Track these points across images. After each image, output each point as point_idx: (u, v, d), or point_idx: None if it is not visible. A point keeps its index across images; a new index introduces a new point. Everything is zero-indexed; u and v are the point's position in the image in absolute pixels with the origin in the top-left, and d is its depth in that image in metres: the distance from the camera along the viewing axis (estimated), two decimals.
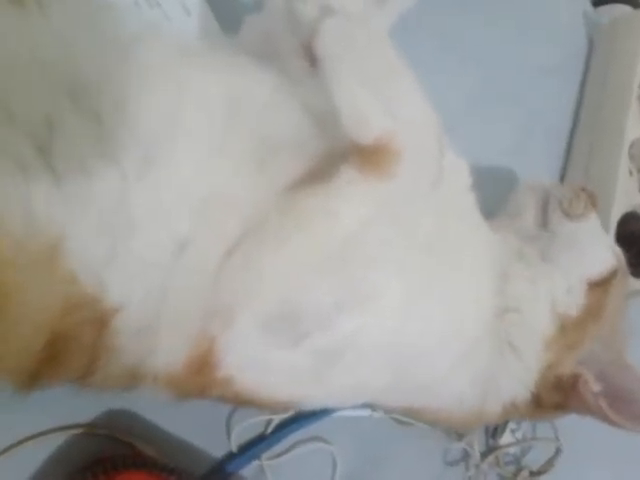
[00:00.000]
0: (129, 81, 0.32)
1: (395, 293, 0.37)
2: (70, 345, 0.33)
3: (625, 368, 0.44)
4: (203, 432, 0.47)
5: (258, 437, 0.49)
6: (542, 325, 0.43)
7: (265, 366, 0.36)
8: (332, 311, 0.35)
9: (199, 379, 0.36)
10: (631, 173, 0.64)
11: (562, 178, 0.68)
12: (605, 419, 0.43)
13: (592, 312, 0.44)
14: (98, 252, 0.31)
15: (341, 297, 0.35)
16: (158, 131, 0.32)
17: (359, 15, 0.32)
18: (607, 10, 0.79)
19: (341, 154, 0.34)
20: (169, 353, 0.34)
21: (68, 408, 0.42)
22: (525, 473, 0.57)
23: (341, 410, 0.50)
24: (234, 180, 0.33)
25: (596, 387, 0.43)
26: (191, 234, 0.33)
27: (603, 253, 0.47)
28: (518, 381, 0.44)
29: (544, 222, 0.47)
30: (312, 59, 0.32)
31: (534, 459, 0.58)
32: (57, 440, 0.41)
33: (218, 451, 0.47)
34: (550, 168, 0.68)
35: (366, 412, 0.52)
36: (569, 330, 0.44)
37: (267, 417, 0.48)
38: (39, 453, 0.41)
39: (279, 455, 0.49)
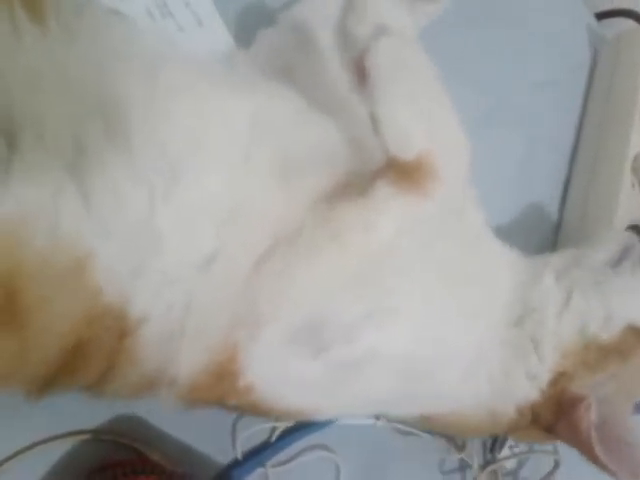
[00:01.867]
0: (154, 100, 0.33)
1: (416, 310, 0.38)
2: (89, 353, 0.33)
3: (625, 421, 0.44)
4: (208, 438, 0.47)
5: (263, 444, 0.49)
6: (567, 334, 0.44)
7: (286, 376, 0.37)
8: (356, 325, 0.36)
9: (219, 388, 0.36)
10: (634, 186, 0.65)
11: (565, 191, 0.68)
12: (589, 453, 0.42)
13: (621, 350, 0.44)
14: (125, 268, 0.32)
15: (366, 311, 0.36)
16: (184, 150, 0.33)
17: (411, 37, 0.33)
18: (611, 23, 0.80)
19: (368, 171, 0.34)
20: (189, 362, 0.35)
21: (75, 414, 0.42)
22: None
23: (345, 419, 0.51)
24: (260, 196, 0.34)
25: (594, 417, 0.43)
26: (217, 249, 0.33)
27: None
28: (533, 378, 0.44)
29: (615, 264, 0.47)
30: (361, 75, 0.32)
31: (532, 472, 0.58)
32: (64, 446, 0.41)
33: (223, 458, 0.48)
34: (554, 182, 0.68)
35: (370, 421, 0.52)
36: (593, 352, 0.44)
37: (272, 424, 0.49)
38: (46, 459, 0.41)
39: (283, 463, 0.49)
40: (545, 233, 0.66)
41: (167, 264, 0.33)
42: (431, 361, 0.40)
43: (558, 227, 0.66)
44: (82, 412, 0.42)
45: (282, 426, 0.49)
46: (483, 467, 0.57)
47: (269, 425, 0.49)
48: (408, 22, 0.34)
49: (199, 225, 0.33)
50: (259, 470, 0.48)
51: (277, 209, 0.34)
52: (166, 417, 0.45)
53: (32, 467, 0.40)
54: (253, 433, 0.48)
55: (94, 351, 0.33)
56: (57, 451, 0.41)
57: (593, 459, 0.42)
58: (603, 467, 0.41)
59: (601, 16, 0.81)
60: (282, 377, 0.37)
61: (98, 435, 0.42)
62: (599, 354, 0.44)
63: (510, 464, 0.59)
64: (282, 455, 0.49)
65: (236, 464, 0.47)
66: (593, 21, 0.80)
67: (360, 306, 0.36)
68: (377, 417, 0.52)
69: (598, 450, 0.41)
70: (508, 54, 0.68)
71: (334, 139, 0.37)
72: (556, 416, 0.44)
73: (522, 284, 0.45)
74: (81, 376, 0.35)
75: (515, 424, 0.45)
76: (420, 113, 0.33)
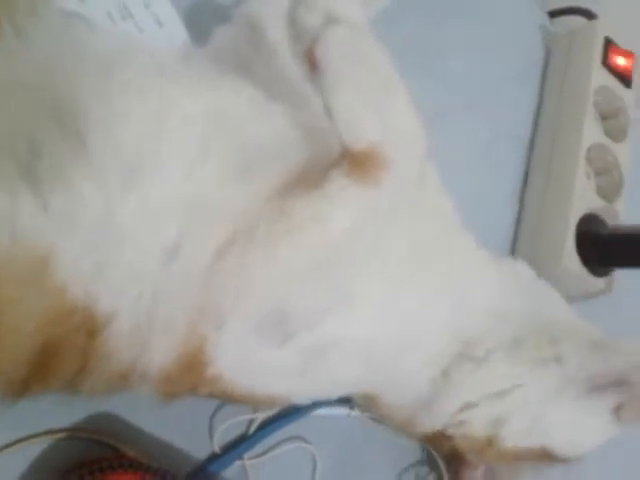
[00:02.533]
0: (109, 100, 0.33)
1: (374, 297, 0.39)
2: (61, 353, 0.33)
3: None
4: (185, 433, 0.47)
5: (240, 437, 0.50)
6: (483, 414, 0.45)
7: (253, 364, 0.38)
8: (317, 313, 0.37)
9: (190, 378, 0.37)
10: (588, 176, 0.67)
11: (525, 182, 0.71)
12: None
13: (518, 458, 0.46)
14: (87, 264, 0.32)
15: (328, 301, 0.37)
16: (141, 147, 0.33)
17: (362, 26, 0.34)
18: (563, 21, 0.83)
19: (325, 161, 0.35)
20: (159, 354, 0.35)
21: (51, 413, 0.42)
22: None
23: (320, 409, 0.52)
24: (219, 189, 0.35)
25: (479, 476, 0.49)
26: (179, 243, 0.34)
27: (584, 448, 0.47)
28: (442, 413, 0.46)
29: (599, 383, 0.45)
30: (313, 65, 0.33)
31: None
32: (41, 445, 0.41)
33: (201, 452, 0.48)
34: (514, 173, 0.71)
35: (344, 411, 0.53)
36: (491, 448, 0.46)
37: (249, 417, 0.49)
38: (23, 458, 0.41)
39: (261, 455, 0.50)
40: (506, 221, 0.68)
41: (131, 259, 0.33)
42: (392, 346, 0.42)
43: (519, 216, 0.69)
44: (58, 410, 0.42)
45: (259, 418, 0.50)
46: None
47: (246, 418, 0.49)
48: (358, 10, 0.34)
49: (160, 220, 0.33)
50: (237, 463, 0.49)
51: (236, 203, 0.35)
52: (143, 414, 0.45)
53: (9, 466, 0.40)
54: (230, 426, 0.49)
55: (65, 350, 0.33)
56: (34, 450, 0.41)
57: None
58: None
59: (554, 14, 0.85)
60: (249, 366, 0.38)
61: (74, 433, 0.42)
62: (496, 454, 0.46)
63: None
64: (259, 447, 0.50)
65: (214, 458, 0.48)
66: (546, 19, 0.84)
67: (320, 295, 0.37)
68: (351, 407, 0.53)
69: None
70: (469, 50, 0.71)
71: (292, 131, 0.38)
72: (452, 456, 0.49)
73: (487, 297, 0.46)
74: (55, 376, 0.35)
75: (423, 436, 0.49)
76: (371, 102, 0.34)
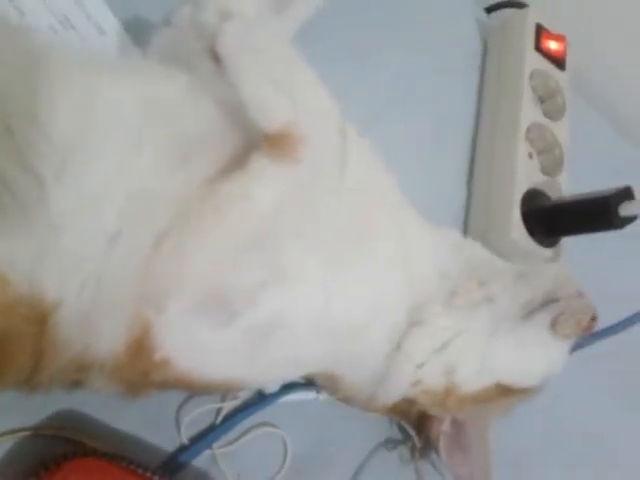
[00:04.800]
0: (36, 90, 0.34)
1: (311, 270, 0.40)
2: (11, 346, 0.34)
3: (475, 436, 0.50)
4: (153, 427, 0.48)
5: (208, 427, 0.50)
6: (433, 372, 0.47)
7: (200, 347, 0.39)
8: (256, 289, 0.38)
9: (139, 364, 0.37)
10: (531, 156, 0.70)
11: (471, 165, 0.73)
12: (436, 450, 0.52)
13: (479, 400, 0.48)
14: (26, 253, 0.33)
15: (262, 275, 0.38)
16: (72, 135, 0.34)
17: (256, 18, 0.36)
18: (499, 15, 0.87)
19: (253, 144, 0.37)
20: (109, 340, 0.36)
21: (12, 412, 0.42)
22: None
23: (287, 395, 0.53)
24: (155, 176, 0.36)
25: (445, 427, 0.51)
26: (119, 228, 0.35)
27: (538, 374, 0.49)
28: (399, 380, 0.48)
29: (527, 314, 0.48)
30: (216, 60, 0.35)
31: None
32: (5, 445, 0.42)
33: (169, 444, 0.49)
34: (460, 157, 0.73)
35: (312, 395, 0.54)
36: (451, 396, 0.48)
37: (216, 406, 0.50)
38: None
39: (230, 443, 0.51)
40: (457, 203, 0.71)
41: (70, 246, 0.34)
42: (343, 323, 0.43)
43: (468, 197, 0.71)
44: (20, 410, 0.42)
45: (226, 407, 0.51)
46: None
47: (213, 407, 0.50)
48: (249, 3, 0.37)
49: (99, 207, 0.35)
50: (206, 452, 0.49)
51: (173, 190, 0.36)
52: (109, 410, 0.46)
53: None
54: (197, 417, 0.49)
55: (16, 342, 0.34)
56: None
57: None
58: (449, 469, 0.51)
59: (490, 9, 0.89)
60: (197, 348, 0.39)
61: (40, 431, 0.43)
62: (456, 401, 0.48)
63: None
64: (228, 436, 0.51)
65: (183, 449, 0.49)
66: (482, 14, 0.88)
67: (257, 271, 0.38)
68: (318, 391, 0.54)
69: (441, 454, 0.51)
70: (411, 44, 0.74)
71: (223, 118, 0.40)
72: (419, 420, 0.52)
73: (429, 264, 0.48)
74: (9, 371, 0.35)
75: (387, 409, 0.51)
76: (277, 86, 0.36)
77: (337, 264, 0.41)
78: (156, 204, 0.36)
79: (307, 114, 0.36)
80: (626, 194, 0.60)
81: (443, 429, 0.51)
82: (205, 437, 0.49)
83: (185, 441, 0.49)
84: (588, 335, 0.57)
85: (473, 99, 0.77)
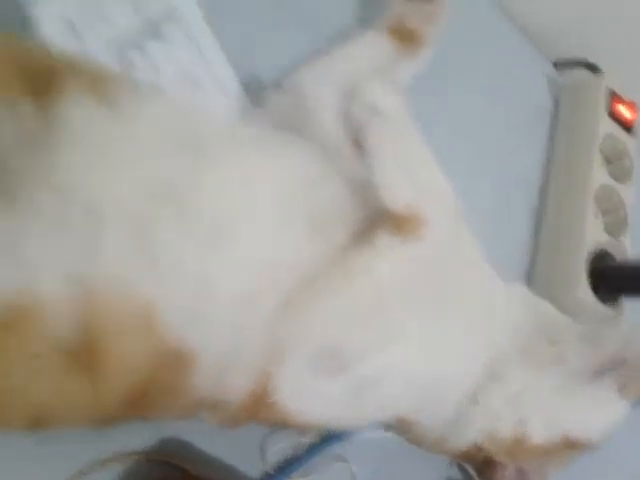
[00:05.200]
0: (201, 172, 0.39)
1: (414, 333, 0.44)
2: (152, 391, 0.39)
3: None
4: (241, 455, 0.52)
5: (290, 458, 0.55)
6: (507, 420, 0.51)
7: (310, 394, 0.43)
8: (367, 348, 0.43)
9: (256, 407, 0.42)
10: (596, 215, 0.73)
11: (537, 224, 0.77)
12: None
13: (547, 452, 0.52)
14: (182, 312, 0.37)
15: (374, 337, 0.43)
16: (228, 212, 0.39)
17: (398, 114, 0.41)
18: (567, 73, 0.90)
19: (377, 219, 0.41)
20: (237, 389, 0.41)
21: (123, 436, 0.46)
22: None
23: (359, 431, 0.57)
24: (292, 245, 0.41)
25: (509, 474, 0.54)
26: (257, 290, 0.39)
27: (602, 430, 0.53)
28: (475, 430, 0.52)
29: (596, 375, 0.51)
30: (358, 147, 0.40)
31: None
32: (117, 467, 0.47)
33: (255, 472, 0.53)
34: (527, 218, 0.77)
35: (381, 432, 0.58)
36: (520, 447, 0.51)
37: (296, 440, 0.55)
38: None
39: (307, 474, 0.55)
40: (522, 260, 0.74)
41: (217, 308, 0.38)
42: (432, 378, 0.47)
43: (534, 255, 0.75)
44: (129, 434, 0.46)
45: (305, 441, 0.55)
46: None
47: (294, 441, 0.55)
48: (395, 101, 0.41)
49: (244, 275, 0.39)
50: None
51: (307, 257, 0.41)
52: (204, 437, 0.51)
53: None
54: (279, 449, 0.54)
55: (157, 388, 0.38)
56: (111, 473, 0.46)
57: None
58: None
59: (559, 65, 0.91)
60: (306, 395, 0.43)
61: (150, 456, 0.47)
62: (525, 451, 0.51)
63: None
64: (305, 467, 0.55)
65: (268, 477, 0.53)
66: (552, 70, 0.90)
67: (369, 333, 0.42)
68: (386, 429, 0.58)
69: None
70: (481, 105, 0.77)
71: (347, 190, 0.44)
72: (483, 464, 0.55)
73: (507, 334, 0.52)
74: (144, 410, 0.40)
75: (458, 455, 0.55)
76: (408, 173, 0.41)
77: (435, 327, 0.45)
78: (289, 270, 0.40)
79: (427, 197, 0.41)
80: None
81: (507, 476, 0.54)
82: (288, 467, 0.54)
83: (270, 470, 0.53)
84: None
85: (542, 158, 0.81)
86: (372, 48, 0.61)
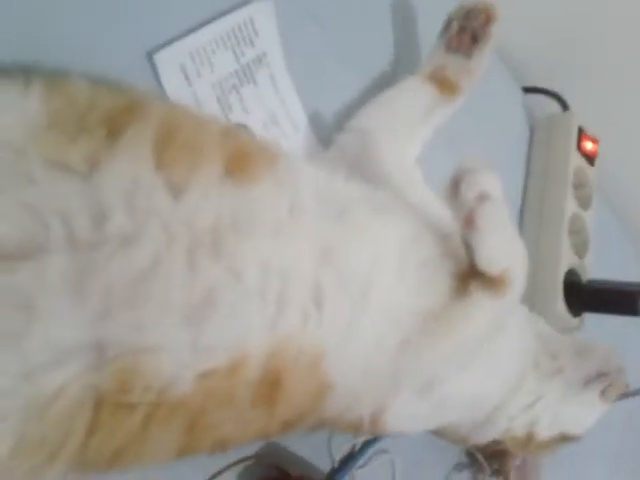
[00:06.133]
0: (348, 238, 0.47)
1: (479, 365, 0.55)
2: (303, 419, 0.47)
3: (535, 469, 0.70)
4: (314, 452, 0.62)
5: (349, 454, 0.65)
6: (521, 423, 0.64)
7: (409, 416, 0.54)
8: (450, 378, 0.53)
9: (367, 427, 0.52)
10: (567, 239, 0.88)
11: None
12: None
13: (548, 445, 0.67)
14: (340, 355, 0.45)
15: (455, 369, 0.53)
16: (366, 271, 0.46)
17: (500, 198, 0.49)
18: (538, 100, 1.02)
19: (468, 274, 0.50)
20: (357, 414, 0.50)
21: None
22: None
23: None
24: (407, 295, 0.49)
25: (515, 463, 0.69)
26: (385, 334, 0.48)
27: (587, 426, 0.68)
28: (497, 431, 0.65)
29: (587, 382, 0.65)
30: (468, 222, 0.48)
31: None
32: (236, 470, 0.54)
33: (325, 466, 0.63)
34: None
35: None
36: (530, 441, 0.65)
37: (355, 439, 0.65)
38: None
39: (362, 466, 0.66)
40: None
41: (360, 347, 0.46)
42: (481, 397, 0.60)
43: None
44: None
45: (361, 439, 0.65)
46: None
47: (353, 440, 0.65)
48: (498, 188, 0.49)
49: (378, 319, 0.47)
50: (349, 472, 0.64)
51: (418, 305, 0.49)
52: (290, 440, 0.59)
53: None
54: (341, 445, 0.64)
55: (307, 413, 0.47)
56: (231, 476, 0.54)
57: None
58: None
59: (528, 90, 1.02)
60: (407, 416, 0.54)
61: (260, 460, 0.55)
62: (535, 445, 0.66)
63: None
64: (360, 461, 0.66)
65: (336, 470, 0.63)
66: (521, 94, 1.01)
67: (456, 367, 0.53)
68: None
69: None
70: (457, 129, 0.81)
71: (439, 245, 0.53)
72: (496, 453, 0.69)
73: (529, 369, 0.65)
74: (293, 430, 0.48)
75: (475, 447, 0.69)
76: (504, 246, 0.50)
77: (490, 359, 0.56)
78: (407, 315, 0.49)
79: (515, 264, 0.50)
80: None
81: (516, 463, 0.68)
82: (350, 461, 0.64)
83: (336, 464, 0.63)
84: None
85: (520, 184, 0.94)
86: (418, 94, 0.69)
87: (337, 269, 0.45)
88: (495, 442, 0.66)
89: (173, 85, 0.54)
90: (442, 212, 0.53)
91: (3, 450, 0.33)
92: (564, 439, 0.67)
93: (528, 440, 0.65)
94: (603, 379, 0.66)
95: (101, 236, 0.34)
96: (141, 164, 0.37)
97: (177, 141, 0.38)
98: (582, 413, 0.67)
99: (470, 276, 0.50)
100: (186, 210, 0.37)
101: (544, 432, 0.65)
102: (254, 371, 0.41)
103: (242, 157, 0.42)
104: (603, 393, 0.67)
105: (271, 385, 0.42)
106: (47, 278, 0.33)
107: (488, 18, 0.64)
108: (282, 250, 0.42)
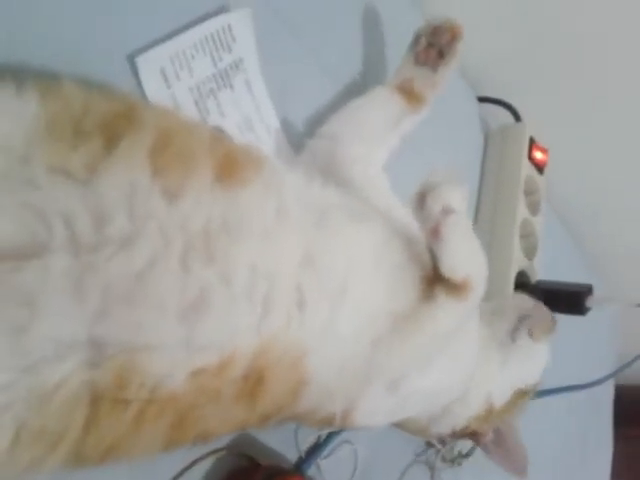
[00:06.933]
0: (325, 241, 0.49)
1: (444, 364, 0.59)
2: (280, 412, 0.49)
3: (511, 437, 0.72)
4: (283, 443, 0.65)
5: (314, 445, 0.68)
6: (477, 402, 0.68)
7: (377, 410, 0.57)
8: (417, 374, 0.56)
9: (336, 422, 0.55)
10: (518, 243, 0.94)
11: None
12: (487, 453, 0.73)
13: (510, 409, 0.70)
14: (320, 354, 0.48)
15: (423, 366, 0.57)
16: (343, 274, 0.49)
17: (464, 211, 0.52)
18: (493, 110, 1.08)
19: (433, 279, 0.53)
20: (329, 409, 0.53)
21: None
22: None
23: None
24: (379, 295, 0.52)
25: (489, 438, 0.72)
26: (360, 332, 0.51)
27: (537, 372, 0.71)
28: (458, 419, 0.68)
29: (513, 332, 0.69)
30: (434, 234, 0.51)
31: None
32: (208, 462, 0.57)
33: (291, 455, 0.66)
34: None
35: None
36: (491, 414, 0.69)
37: (319, 431, 0.68)
38: (201, 474, 0.56)
39: (325, 457, 0.69)
40: None
41: (337, 345, 0.49)
42: (441, 392, 0.63)
43: None
44: None
45: (326, 431, 0.69)
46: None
47: (319, 432, 0.68)
48: (463, 203, 0.52)
49: (355, 318, 0.50)
50: (315, 462, 0.67)
51: (389, 304, 0.53)
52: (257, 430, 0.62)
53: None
54: (306, 437, 0.67)
55: (284, 408, 0.49)
56: (204, 467, 0.57)
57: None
58: (499, 465, 0.72)
59: (482, 99, 1.09)
60: (375, 410, 0.57)
61: (231, 450, 0.58)
62: (495, 415, 0.69)
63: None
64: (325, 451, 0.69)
65: (302, 461, 0.66)
66: (477, 104, 1.07)
67: (421, 363, 0.56)
68: None
69: (491, 456, 0.72)
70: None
71: (408, 248, 0.57)
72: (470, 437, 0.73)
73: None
74: (270, 423, 0.51)
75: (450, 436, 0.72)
76: (467, 255, 0.53)
77: (451, 357, 0.60)
78: (380, 314, 0.52)
79: (476, 271, 0.54)
80: (590, 290, 0.85)
81: (488, 439, 0.72)
82: (315, 451, 0.67)
83: (302, 455, 0.66)
84: None
85: (473, 192, 0.99)
86: (387, 104, 0.72)
87: (317, 272, 0.48)
88: (462, 429, 0.70)
89: (153, 88, 0.56)
90: (407, 219, 0.56)
91: (4, 441, 0.34)
92: (523, 395, 0.71)
93: (489, 413, 0.69)
94: (525, 322, 0.70)
95: (102, 238, 0.36)
96: (138, 171, 0.38)
97: (171, 148, 0.40)
98: (525, 363, 0.71)
99: (435, 281, 0.54)
100: (181, 214, 0.39)
101: (501, 399, 0.69)
102: (240, 369, 0.43)
103: (231, 162, 0.44)
104: (531, 334, 0.70)
105: (254, 382, 0.45)
106: (50, 277, 0.34)
107: (454, 36, 0.67)
108: (269, 253, 0.45)
